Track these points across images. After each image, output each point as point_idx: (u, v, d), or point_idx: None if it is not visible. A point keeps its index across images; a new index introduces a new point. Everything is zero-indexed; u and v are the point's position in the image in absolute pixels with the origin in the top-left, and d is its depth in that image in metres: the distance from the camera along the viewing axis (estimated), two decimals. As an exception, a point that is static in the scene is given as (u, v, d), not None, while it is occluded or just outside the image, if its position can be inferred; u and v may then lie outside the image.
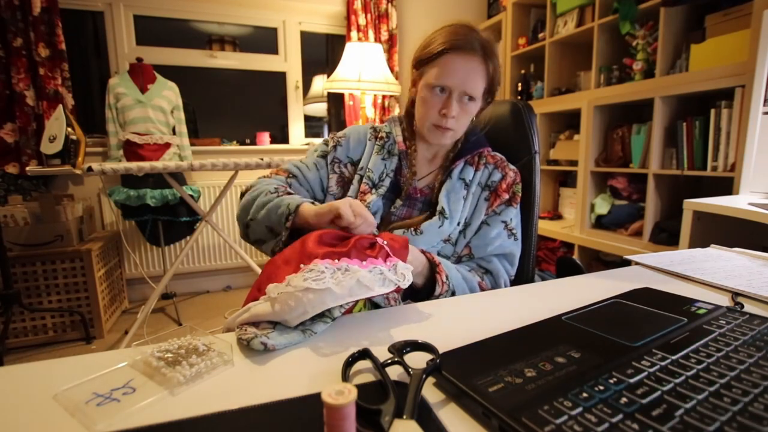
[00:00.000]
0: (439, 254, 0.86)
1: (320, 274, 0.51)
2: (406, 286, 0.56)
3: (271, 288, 0.51)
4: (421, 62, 0.84)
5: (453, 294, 0.75)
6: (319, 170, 0.91)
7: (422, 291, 0.75)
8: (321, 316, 0.52)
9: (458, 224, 0.85)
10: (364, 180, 0.87)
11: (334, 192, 0.89)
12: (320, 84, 3.12)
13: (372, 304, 0.72)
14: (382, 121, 3.19)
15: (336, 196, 0.89)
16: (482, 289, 0.82)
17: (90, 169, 1.60)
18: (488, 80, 0.82)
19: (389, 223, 0.87)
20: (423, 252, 0.76)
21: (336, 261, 0.53)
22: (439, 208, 0.84)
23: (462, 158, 0.88)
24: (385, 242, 0.61)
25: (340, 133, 0.94)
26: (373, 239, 0.61)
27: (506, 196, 0.87)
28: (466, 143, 0.90)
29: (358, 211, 0.67)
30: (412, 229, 0.83)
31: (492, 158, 0.90)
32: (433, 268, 0.75)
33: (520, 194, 0.89)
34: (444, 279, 0.74)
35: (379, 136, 0.93)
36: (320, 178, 0.90)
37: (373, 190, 0.86)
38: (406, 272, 0.56)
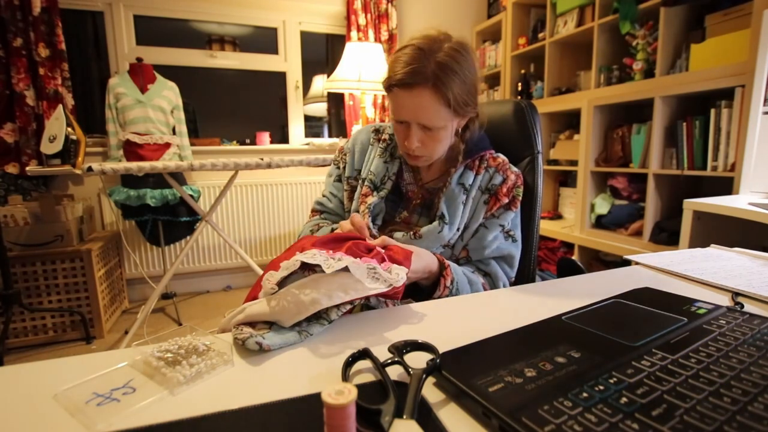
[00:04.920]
0: None
1: (313, 255, 0.52)
2: (400, 285, 0.56)
3: (268, 277, 0.52)
4: (384, 88, 0.83)
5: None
6: (337, 195, 0.96)
7: (424, 291, 0.75)
8: (317, 318, 0.52)
9: (458, 230, 0.84)
10: (366, 182, 0.88)
11: (348, 207, 0.92)
12: (320, 84, 3.12)
13: (370, 307, 0.72)
14: (382, 121, 3.19)
15: (351, 210, 0.91)
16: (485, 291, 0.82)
17: (90, 169, 1.60)
18: (447, 104, 0.76)
19: (390, 226, 0.87)
20: (434, 254, 0.75)
21: (330, 252, 0.55)
22: (438, 213, 0.83)
23: (461, 163, 0.87)
24: (383, 249, 0.61)
25: (345, 149, 0.97)
26: (371, 246, 0.61)
27: (506, 200, 0.85)
28: (467, 147, 0.88)
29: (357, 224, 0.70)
30: (412, 233, 0.82)
31: (494, 161, 0.89)
32: (441, 270, 0.75)
33: (520, 198, 0.87)
34: (448, 284, 0.73)
35: (382, 138, 0.93)
36: (341, 201, 0.95)
37: (374, 192, 0.87)
38: (400, 272, 0.56)
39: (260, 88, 3.12)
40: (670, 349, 0.41)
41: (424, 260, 0.71)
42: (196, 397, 0.38)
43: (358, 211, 0.86)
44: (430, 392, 0.38)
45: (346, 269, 0.51)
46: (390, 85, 0.77)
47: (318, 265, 0.52)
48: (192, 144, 2.59)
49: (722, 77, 1.63)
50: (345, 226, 0.70)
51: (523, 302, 0.61)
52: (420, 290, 0.76)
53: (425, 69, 0.73)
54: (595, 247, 2.18)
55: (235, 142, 2.89)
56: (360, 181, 0.90)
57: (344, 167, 0.95)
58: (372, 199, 0.85)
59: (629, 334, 0.45)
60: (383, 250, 0.61)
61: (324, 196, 0.98)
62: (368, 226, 0.83)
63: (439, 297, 0.73)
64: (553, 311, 0.52)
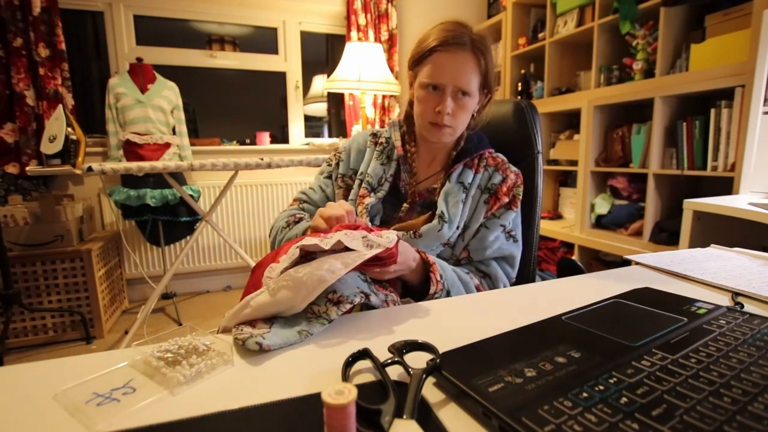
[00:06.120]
0: (438, 257, 0.86)
1: (308, 240, 0.55)
2: (393, 245, 0.58)
3: (268, 271, 0.52)
4: (415, 62, 0.85)
5: (448, 294, 0.75)
6: (324, 190, 0.96)
7: (417, 290, 0.75)
8: (317, 318, 0.52)
9: (457, 228, 0.84)
10: (363, 184, 0.88)
11: None
12: (320, 84, 3.12)
13: (370, 307, 0.72)
14: (382, 121, 3.18)
15: None
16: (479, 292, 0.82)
17: (90, 169, 1.60)
18: (482, 74, 0.82)
19: (390, 226, 0.87)
20: (417, 251, 0.76)
21: (322, 235, 0.58)
22: (438, 212, 0.83)
23: (461, 161, 0.87)
24: (371, 225, 0.63)
25: (341, 148, 0.97)
26: (355, 225, 0.63)
27: (506, 200, 0.86)
28: (467, 145, 0.89)
29: (329, 214, 0.69)
30: (412, 232, 0.82)
31: (493, 160, 0.89)
32: (427, 267, 0.75)
33: (521, 197, 0.88)
34: (438, 278, 0.74)
35: (379, 141, 0.93)
36: (327, 196, 0.95)
37: (372, 194, 0.87)
38: (391, 235, 0.58)
39: (260, 88, 3.12)
40: (670, 349, 0.41)
41: (409, 247, 0.73)
42: (196, 397, 0.38)
43: (356, 212, 0.86)
44: (430, 392, 0.38)
45: (339, 244, 0.54)
46: (432, 48, 0.80)
47: (314, 254, 0.55)
48: (192, 144, 2.59)
49: (722, 77, 1.63)
50: (324, 212, 0.68)
51: (523, 302, 0.61)
52: (413, 293, 0.76)
53: (465, 36, 0.79)
54: (595, 247, 2.18)
55: (235, 142, 2.89)
56: (357, 181, 0.90)
57: (338, 164, 0.95)
58: (369, 200, 0.85)
59: (629, 334, 0.45)
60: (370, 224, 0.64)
61: (310, 188, 0.98)
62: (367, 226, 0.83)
63: (435, 293, 0.73)
64: (553, 311, 0.52)
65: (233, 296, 2.74)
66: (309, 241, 0.54)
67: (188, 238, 2.55)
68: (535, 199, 0.96)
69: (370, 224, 0.84)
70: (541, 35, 2.66)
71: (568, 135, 2.55)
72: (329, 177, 0.96)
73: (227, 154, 2.77)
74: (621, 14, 2.04)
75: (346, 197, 0.91)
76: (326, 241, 0.54)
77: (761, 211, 1.17)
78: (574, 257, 2.31)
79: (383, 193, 0.87)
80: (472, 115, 0.88)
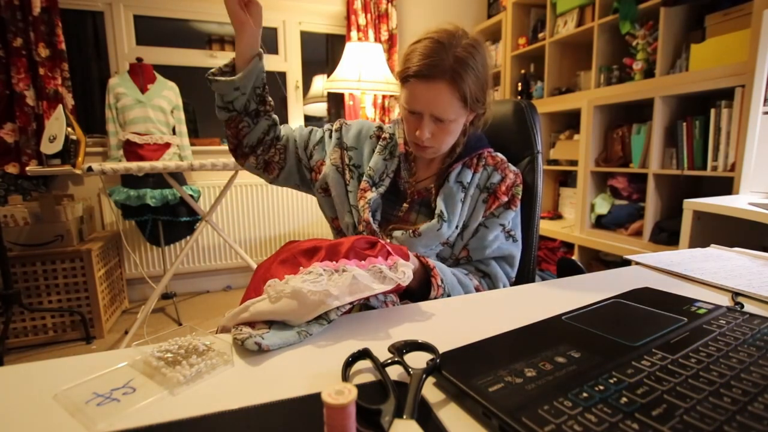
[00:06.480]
0: (438, 257, 0.86)
1: (318, 276, 0.51)
2: (407, 284, 0.56)
3: (271, 284, 0.51)
4: (399, 78, 0.84)
5: (448, 297, 0.75)
6: (310, 132, 0.95)
7: (416, 295, 0.75)
8: (317, 318, 0.52)
9: (456, 227, 0.84)
10: (364, 178, 0.88)
11: (318, 160, 0.93)
12: (320, 84, 3.12)
13: (370, 307, 0.72)
14: (382, 121, 3.18)
15: (345, 204, 0.91)
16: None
17: (90, 169, 1.60)
18: (461, 98, 0.77)
19: (389, 224, 0.87)
20: (417, 256, 0.75)
21: (334, 263, 0.54)
22: (437, 211, 0.83)
23: (460, 161, 0.87)
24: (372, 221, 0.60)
25: (349, 121, 0.97)
26: (373, 239, 0.61)
27: (505, 199, 0.86)
28: (466, 146, 0.89)
29: None
30: (411, 231, 0.82)
31: (492, 159, 0.89)
32: (427, 271, 0.74)
33: (520, 196, 0.88)
34: (439, 282, 0.73)
35: (383, 136, 0.93)
36: (307, 135, 0.95)
37: (373, 188, 0.87)
38: (406, 270, 0.56)
39: (260, 88, 3.11)
40: (670, 349, 0.41)
41: (411, 258, 0.71)
42: (196, 397, 0.38)
43: (356, 207, 0.86)
44: (430, 392, 0.38)
45: (353, 284, 0.51)
46: (407, 76, 0.78)
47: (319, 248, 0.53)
48: (192, 144, 2.59)
49: (722, 77, 1.63)
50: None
51: (523, 302, 0.61)
52: (412, 296, 0.76)
53: (443, 62, 0.75)
54: (595, 247, 2.18)
55: (235, 142, 2.89)
56: (356, 173, 0.90)
57: (335, 130, 0.94)
58: (371, 195, 0.85)
59: (629, 334, 0.45)
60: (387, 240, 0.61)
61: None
62: (368, 221, 0.83)
63: (434, 297, 0.73)
64: (553, 311, 0.52)
65: (233, 296, 2.74)
66: (317, 282, 0.51)
67: (188, 238, 2.55)
68: (535, 199, 0.96)
69: (372, 219, 0.83)
70: (541, 35, 2.66)
71: (568, 135, 2.55)
72: (321, 128, 0.97)
73: (227, 154, 2.77)
74: (621, 14, 2.04)
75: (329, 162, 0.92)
76: (337, 281, 0.51)
77: (761, 211, 1.17)
78: (574, 257, 2.31)
79: (384, 188, 0.87)
80: (466, 126, 0.87)
